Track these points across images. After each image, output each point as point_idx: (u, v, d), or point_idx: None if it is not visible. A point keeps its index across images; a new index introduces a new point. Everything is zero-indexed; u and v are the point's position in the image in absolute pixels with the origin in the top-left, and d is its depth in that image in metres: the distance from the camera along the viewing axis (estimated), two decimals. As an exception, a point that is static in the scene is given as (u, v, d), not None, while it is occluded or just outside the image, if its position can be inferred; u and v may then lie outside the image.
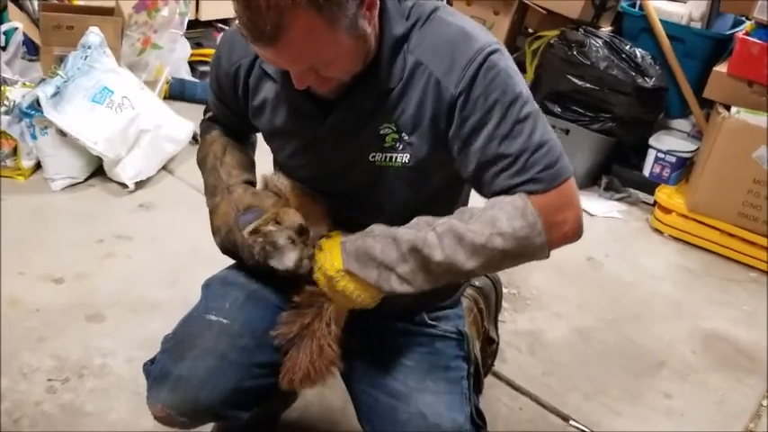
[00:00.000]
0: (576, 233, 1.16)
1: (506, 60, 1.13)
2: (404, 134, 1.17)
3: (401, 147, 1.18)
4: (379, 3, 1.08)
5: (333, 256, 1.17)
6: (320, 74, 1.08)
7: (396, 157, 1.19)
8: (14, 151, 2.61)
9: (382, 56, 1.13)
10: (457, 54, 1.11)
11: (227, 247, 1.30)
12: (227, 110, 1.39)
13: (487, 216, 1.11)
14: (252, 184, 1.36)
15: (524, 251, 1.12)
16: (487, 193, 1.16)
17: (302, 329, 1.24)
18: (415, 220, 1.16)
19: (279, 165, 1.36)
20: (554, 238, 1.12)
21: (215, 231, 1.31)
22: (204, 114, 1.49)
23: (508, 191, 1.12)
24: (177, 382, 1.24)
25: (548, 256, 1.14)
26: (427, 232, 1.12)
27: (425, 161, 1.19)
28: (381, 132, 1.17)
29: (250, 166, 1.41)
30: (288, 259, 1.16)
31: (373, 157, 1.19)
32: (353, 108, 1.16)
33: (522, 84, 1.13)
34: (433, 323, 1.40)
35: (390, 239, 1.13)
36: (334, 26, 1.00)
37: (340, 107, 1.17)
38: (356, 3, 1.02)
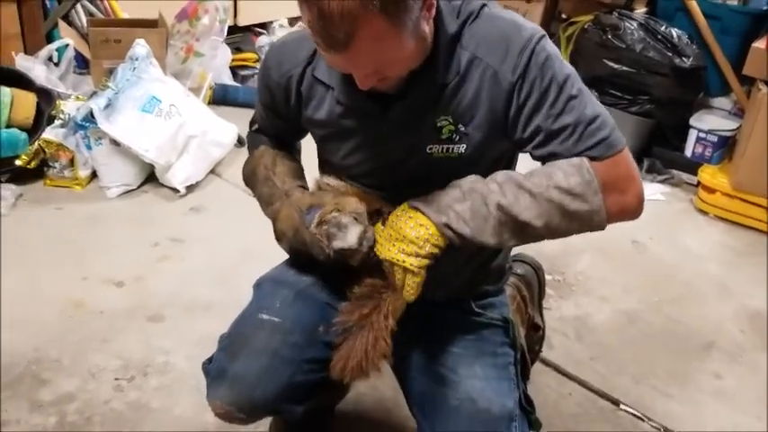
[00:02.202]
0: (637, 206, 1.19)
1: (552, 45, 1.19)
2: (460, 125, 1.22)
3: (458, 138, 1.22)
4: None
5: (400, 207, 1.21)
6: (383, 73, 1.13)
7: (453, 149, 1.23)
8: (71, 162, 2.72)
9: (439, 53, 1.18)
10: (510, 44, 1.16)
11: (296, 249, 1.32)
12: (278, 119, 1.43)
13: (546, 171, 1.16)
14: (305, 189, 1.40)
15: (580, 208, 1.14)
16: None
17: (361, 320, 1.26)
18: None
19: (330, 166, 1.39)
20: (612, 205, 1.15)
21: (280, 237, 1.34)
22: (250, 126, 1.54)
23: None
24: (233, 380, 1.31)
25: (604, 227, 1.17)
26: (489, 182, 1.17)
27: (481, 148, 1.24)
28: (439, 125, 1.22)
29: (301, 173, 1.46)
30: (351, 235, 1.18)
31: (431, 149, 1.24)
32: (412, 103, 1.21)
33: (568, 65, 1.20)
34: (480, 311, 1.44)
35: (453, 186, 1.18)
36: (400, 30, 1.04)
37: (399, 103, 1.21)
38: (419, 5, 1.06)
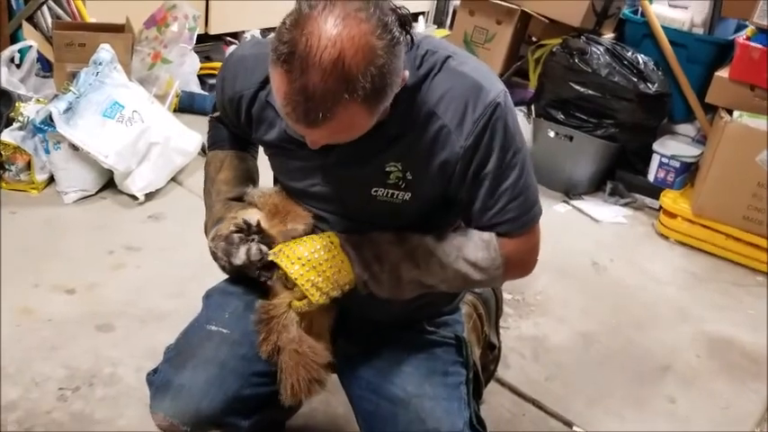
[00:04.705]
0: (531, 269, 1.34)
1: (509, 111, 1.20)
2: (408, 174, 1.21)
3: (404, 185, 1.22)
4: None
5: (327, 237, 1.25)
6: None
7: (397, 195, 1.23)
8: (28, 165, 2.67)
9: (397, 106, 1.14)
10: (468, 108, 1.17)
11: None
12: (231, 124, 1.42)
13: (457, 241, 1.26)
14: (241, 198, 1.39)
15: (482, 279, 1.28)
16: (471, 227, 1.29)
17: (268, 345, 1.27)
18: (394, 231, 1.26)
19: (279, 183, 1.38)
20: (509, 275, 1.31)
21: None
22: (212, 112, 1.49)
23: (482, 230, 1.26)
24: (179, 391, 1.27)
25: (501, 285, 1.36)
26: (403, 243, 1.24)
27: (425, 199, 1.25)
28: (387, 169, 1.21)
29: (246, 177, 1.43)
30: (241, 251, 1.22)
31: (375, 191, 1.23)
32: (361, 148, 1.17)
33: (517, 133, 1.22)
34: (432, 329, 1.43)
35: (374, 242, 1.25)
36: (373, 115, 1.04)
37: (348, 146, 1.16)
38: (396, 89, 1.05)
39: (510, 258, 1.26)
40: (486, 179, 1.20)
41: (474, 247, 1.24)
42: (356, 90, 0.97)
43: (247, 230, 1.23)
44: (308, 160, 1.25)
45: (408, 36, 1.07)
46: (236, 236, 1.22)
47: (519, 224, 1.25)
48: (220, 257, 1.26)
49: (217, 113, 1.48)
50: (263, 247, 1.22)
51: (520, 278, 1.35)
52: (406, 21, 1.05)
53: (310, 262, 1.21)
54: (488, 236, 1.25)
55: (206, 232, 1.37)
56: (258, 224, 1.24)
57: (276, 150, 1.31)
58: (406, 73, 1.08)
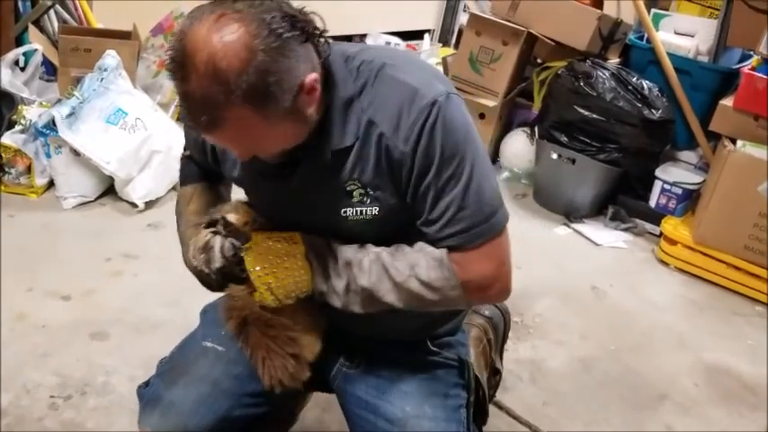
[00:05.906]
0: (500, 297, 1.26)
1: (451, 114, 1.13)
2: (368, 188, 1.19)
3: (369, 201, 1.20)
4: (320, 82, 1.08)
5: (294, 234, 1.22)
6: (255, 153, 1.12)
7: (366, 211, 1.20)
8: (28, 169, 2.66)
9: (333, 117, 1.13)
10: (404, 113, 1.13)
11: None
12: (200, 159, 1.40)
13: (412, 258, 1.19)
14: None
15: (440, 299, 1.20)
16: (424, 240, 1.22)
17: (235, 320, 1.27)
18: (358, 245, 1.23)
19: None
20: (472, 297, 1.21)
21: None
22: (184, 150, 1.47)
23: (434, 243, 1.19)
24: (168, 407, 1.26)
25: (468, 307, 1.22)
26: (363, 257, 1.20)
27: (394, 209, 1.21)
28: (348, 189, 1.19)
29: (215, 203, 1.40)
30: (216, 252, 1.19)
31: (345, 212, 1.21)
32: (312, 168, 1.17)
33: (464, 138, 1.15)
34: (435, 350, 1.41)
35: (335, 254, 1.21)
36: (268, 118, 1.02)
37: (303, 166, 1.18)
38: (293, 94, 1.03)
39: (468, 278, 1.17)
40: (430, 188, 1.14)
41: (427, 266, 1.17)
42: (233, 92, 0.97)
43: (215, 224, 1.22)
44: (272, 190, 1.24)
45: (320, 37, 1.06)
46: (207, 232, 1.21)
47: (470, 237, 1.15)
48: (201, 269, 1.22)
49: (187, 152, 1.46)
50: (235, 242, 1.20)
51: (492, 300, 1.26)
52: (299, 18, 1.03)
53: (271, 266, 1.19)
54: (440, 253, 1.17)
55: (186, 264, 1.34)
56: (224, 218, 1.23)
57: (245, 186, 1.31)
58: (313, 75, 1.05)
